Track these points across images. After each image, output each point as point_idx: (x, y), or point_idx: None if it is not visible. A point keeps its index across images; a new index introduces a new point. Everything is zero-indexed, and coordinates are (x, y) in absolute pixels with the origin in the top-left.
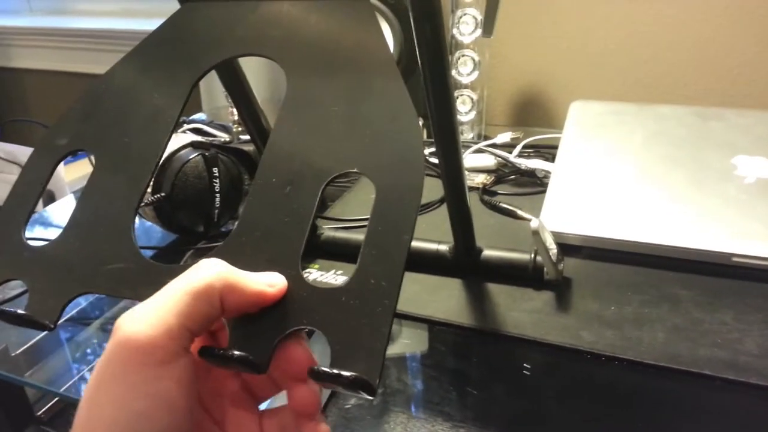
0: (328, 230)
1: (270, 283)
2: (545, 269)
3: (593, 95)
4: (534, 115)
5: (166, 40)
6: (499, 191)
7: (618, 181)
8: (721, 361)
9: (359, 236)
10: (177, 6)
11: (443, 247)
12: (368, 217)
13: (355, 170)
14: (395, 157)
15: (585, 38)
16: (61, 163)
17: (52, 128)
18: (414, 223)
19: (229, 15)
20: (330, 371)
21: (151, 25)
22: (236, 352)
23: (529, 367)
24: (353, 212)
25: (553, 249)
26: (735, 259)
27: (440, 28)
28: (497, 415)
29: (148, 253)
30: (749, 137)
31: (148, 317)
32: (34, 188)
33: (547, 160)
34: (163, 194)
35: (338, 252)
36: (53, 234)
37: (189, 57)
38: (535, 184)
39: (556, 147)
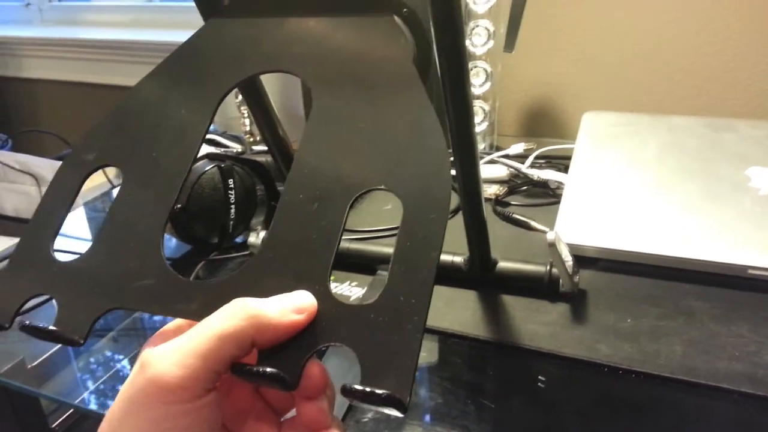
0: (342, 242)
1: (299, 308)
2: (561, 281)
3: (605, 106)
4: (545, 126)
5: (192, 55)
6: (511, 202)
7: (632, 192)
8: (739, 374)
9: (373, 248)
10: (187, 17)
11: (458, 259)
12: (382, 228)
13: (382, 187)
14: (422, 173)
15: (596, 49)
16: None
17: (80, 143)
18: (442, 239)
19: (255, 31)
20: (363, 389)
21: (162, 36)
22: (269, 369)
23: (543, 379)
24: (366, 224)
25: (569, 261)
26: (751, 271)
27: (461, 40)
28: (513, 429)
29: None
30: (762, 149)
31: (178, 358)
32: (63, 203)
33: (559, 170)
34: (179, 206)
35: (353, 263)
36: (64, 245)
37: (215, 73)
38: (547, 195)
39: (568, 158)
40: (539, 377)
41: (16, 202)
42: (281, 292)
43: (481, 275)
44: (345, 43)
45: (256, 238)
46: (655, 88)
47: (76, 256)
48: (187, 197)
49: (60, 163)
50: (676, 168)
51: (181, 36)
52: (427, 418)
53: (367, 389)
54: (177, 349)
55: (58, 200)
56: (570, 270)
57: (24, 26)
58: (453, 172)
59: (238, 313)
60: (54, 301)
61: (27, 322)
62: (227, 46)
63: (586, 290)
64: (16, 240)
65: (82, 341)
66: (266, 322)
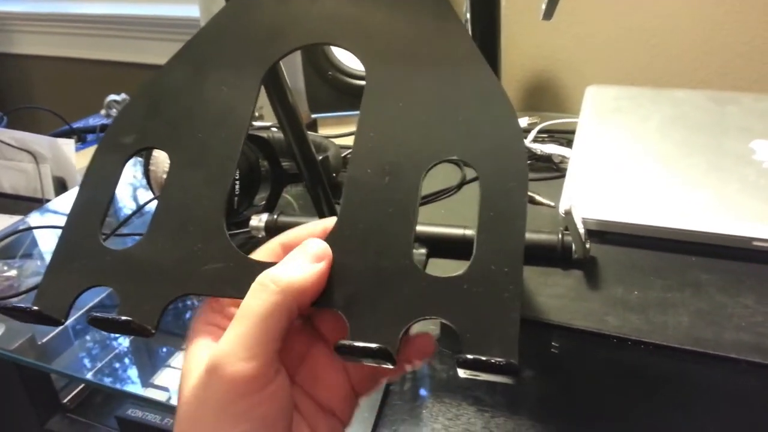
0: None
1: (317, 256)
2: (573, 248)
3: (606, 80)
4: (547, 100)
5: (221, 34)
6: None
7: (637, 166)
8: (746, 344)
9: None
10: None
11: (469, 232)
12: None
13: (455, 158)
14: (495, 143)
15: (597, 23)
16: (73, 149)
17: (114, 126)
18: (525, 207)
19: (289, 6)
20: (481, 358)
21: (156, 10)
22: (374, 345)
23: (557, 345)
24: None
25: (581, 228)
26: (755, 243)
27: (497, 24)
28: (525, 399)
29: None
30: (766, 122)
31: (244, 352)
32: (105, 190)
33: (562, 145)
34: None
35: None
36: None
37: (253, 50)
38: (551, 169)
39: (571, 132)
40: (552, 343)
41: (14, 180)
42: (363, 270)
43: None
44: (393, 17)
45: (258, 221)
46: (655, 62)
47: (129, 245)
48: None
49: (59, 139)
50: (680, 141)
51: (176, 10)
52: (439, 389)
53: (484, 358)
54: (238, 342)
55: (100, 187)
56: (583, 237)
57: (16, 1)
58: None
59: (271, 288)
60: (113, 292)
61: (96, 314)
62: (262, 22)
63: (596, 258)
64: (16, 218)
65: (153, 331)
66: (298, 287)
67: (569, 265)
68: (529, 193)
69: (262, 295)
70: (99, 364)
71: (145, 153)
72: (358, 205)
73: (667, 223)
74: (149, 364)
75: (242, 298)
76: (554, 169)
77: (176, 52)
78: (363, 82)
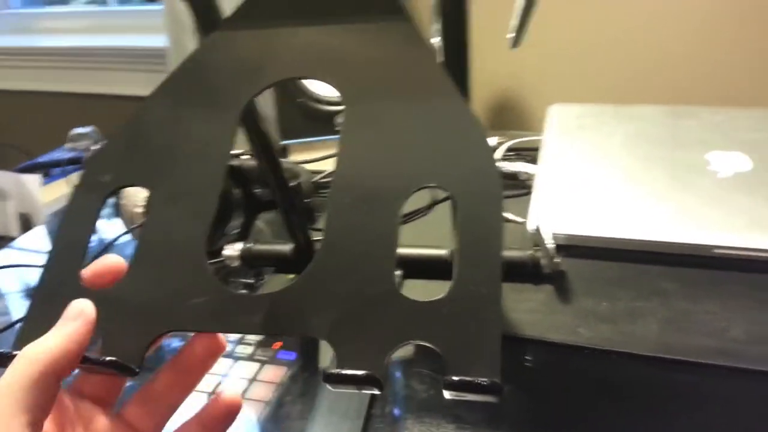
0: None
1: (70, 316)
2: (543, 264)
3: (568, 98)
4: (511, 119)
5: (201, 69)
6: None
7: (601, 181)
8: (712, 349)
9: None
10: (143, 21)
11: (443, 252)
12: None
13: (432, 185)
14: (470, 168)
15: (558, 43)
16: (38, 185)
17: (90, 164)
18: (502, 230)
19: (268, 40)
20: (466, 379)
21: (119, 41)
22: (363, 372)
23: (531, 359)
24: None
25: (550, 244)
26: (716, 250)
27: (466, 46)
28: (504, 414)
29: None
30: (720, 133)
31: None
32: (84, 229)
33: (527, 162)
34: None
35: None
36: (32, 261)
37: (232, 84)
38: (517, 186)
39: (535, 149)
40: (526, 357)
41: None
42: (346, 298)
43: None
44: (368, 49)
45: (233, 250)
46: (615, 80)
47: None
48: None
49: (23, 175)
50: (641, 156)
51: (139, 40)
52: (419, 409)
53: (468, 379)
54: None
55: (79, 226)
56: (552, 252)
57: None
58: None
59: (20, 359)
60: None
61: (85, 357)
62: (241, 56)
63: (565, 271)
64: None
65: (138, 370)
66: (53, 356)
67: (540, 280)
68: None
69: (11, 367)
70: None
71: None
72: (339, 233)
73: (632, 235)
74: (133, 382)
75: (226, 332)
76: (521, 187)
77: (154, 90)
78: (332, 108)
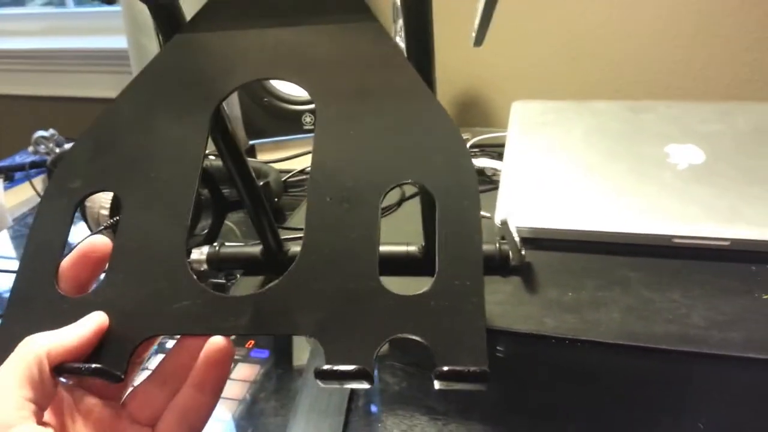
0: (294, 246)
1: (88, 320)
2: (511, 256)
3: (531, 94)
4: (476, 116)
5: (168, 71)
6: None
7: (564, 175)
8: (674, 335)
9: None
10: (102, 23)
11: (412, 248)
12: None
13: (409, 181)
14: (446, 165)
15: (520, 41)
16: (1, 189)
17: (60, 170)
18: (480, 222)
19: (235, 42)
20: (455, 369)
21: (78, 43)
22: (354, 367)
23: (501, 349)
24: None
25: (517, 237)
26: (676, 240)
27: (430, 44)
28: (475, 402)
29: None
30: (678, 127)
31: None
32: (56, 237)
33: (492, 158)
34: (118, 218)
35: None
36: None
37: (202, 85)
38: (484, 182)
39: (500, 145)
40: (498, 348)
41: None
42: (332, 295)
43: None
44: (336, 50)
45: (200, 254)
46: (575, 76)
47: (87, 292)
48: None
49: None
50: (602, 150)
51: (98, 42)
52: (392, 402)
53: (459, 368)
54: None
55: (50, 234)
56: (519, 244)
57: None
58: None
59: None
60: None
61: (64, 365)
62: (208, 58)
63: (531, 263)
64: None
65: (123, 376)
66: (60, 346)
67: (508, 273)
68: None
69: (18, 348)
70: None
71: None
72: (320, 232)
73: (594, 227)
74: None
75: (212, 334)
76: (487, 182)
77: (121, 92)
78: (299, 107)
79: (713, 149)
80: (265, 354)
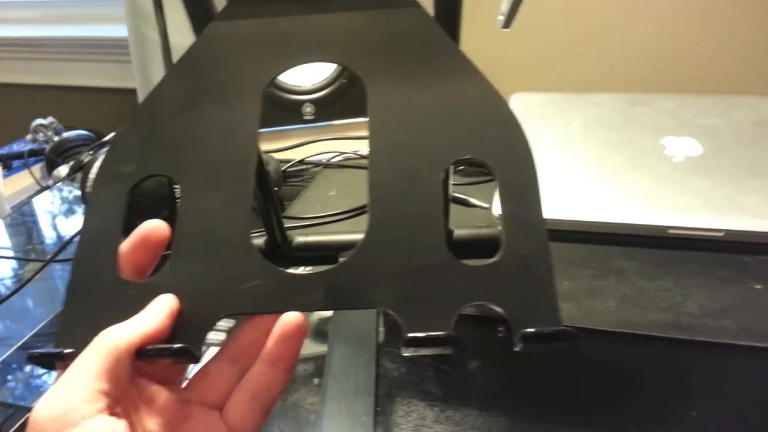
0: (297, 236)
1: (156, 305)
2: None
3: (531, 86)
4: None
5: (209, 57)
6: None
7: (562, 166)
8: (668, 323)
9: (334, 237)
10: (99, 11)
11: (492, 230)
12: (332, 213)
13: (468, 156)
14: (502, 138)
15: (521, 32)
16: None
17: (110, 155)
18: (539, 191)
19: (275, 28)
20: (539, 331)
21: (75, 31)
22: (441, 333)
23: (502, 329)
24: (314, 210)
25: None
26: (671, 231)
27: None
28: (470, 387)
29: None
30: (674, 120)
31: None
32: (113, 222)
33: None
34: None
35: (314, 258)
36: None
37: (247, 70)
38: (483, 173)
39: None
40: (498, 328)
41: None
42: (403, 269)
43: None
44: (382, 34)
45: None
46: (575, 69)
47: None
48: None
49: None
50: (600, 142)
51: (98, 30)
52: (390, 387)
53: (546, 330)
54: (59, 395)
55: (107, 219)
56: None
57: None
58: None
59: (102, 341)
60: None
61: (147, 348)
62: (250, 44)
63: None
64: None
65: (201, 357)
66: (132, 337)
67: None
68: (464, 196)
69: (92, 343)
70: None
71: (86, 164)
72: (383, 211)
73: (591, 218)
74: None
75: (286, 311)
76: (486, 173)
77: (163, 77)
78: (300, 97)
79: (711, 142)
80: None
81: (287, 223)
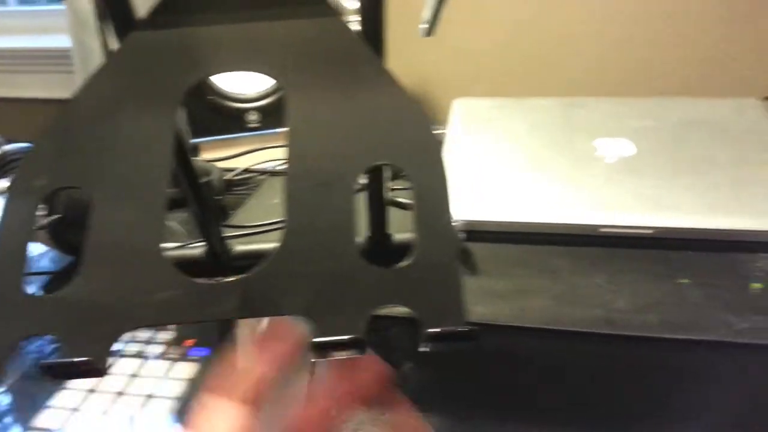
0: (238, 245)
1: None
2: None
3: (471, 92)
4: None
5: (129, 66)
6: (392, 187)
7: (501, 169)
8: (599, 319)
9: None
10: (45, 21)
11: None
12: (275, 221)
13: (382, 162)
14: (415, 145)
15: (462, 40)
16: None
17: (23, 168)
18: (449, 196)
19: (196, 36)
20: (444, 330)
21: (23, 42)
22: (348, 336)
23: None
24: (258, 218)
25: (454, 225)
26: (601, 229)
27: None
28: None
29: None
30: (607, 122)
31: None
32: (21, 237)
33: None
34: (58, 215)
35: (253, 266)
36: None
37: (166, 79)
38: None
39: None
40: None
41: None
42: (316, 275)
43: (380, 250)
44: (302, 43)
45: None
46: (515, 74)
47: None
48: (65, 205)
49: None
50: (537, 145)
51: (40, 41)
52: None
53: (448, 330)
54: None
55: (15, 235)
56: (457, 232)
57: None
58: None
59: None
60: (52, 338)
61: (47, 361)
62: (170, 53)
63: (469, 251)
64: None
65: (106, 371)
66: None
67: None
68: (402, 200)
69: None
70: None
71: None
72: (300, 217)
73: (527, 219)
74: (29, 406)
75: (197, 321)
76: None
77: (79, 89)
78: (242, 105)
79: (641, 142)
80: (205, 352)
81: (229, 232)
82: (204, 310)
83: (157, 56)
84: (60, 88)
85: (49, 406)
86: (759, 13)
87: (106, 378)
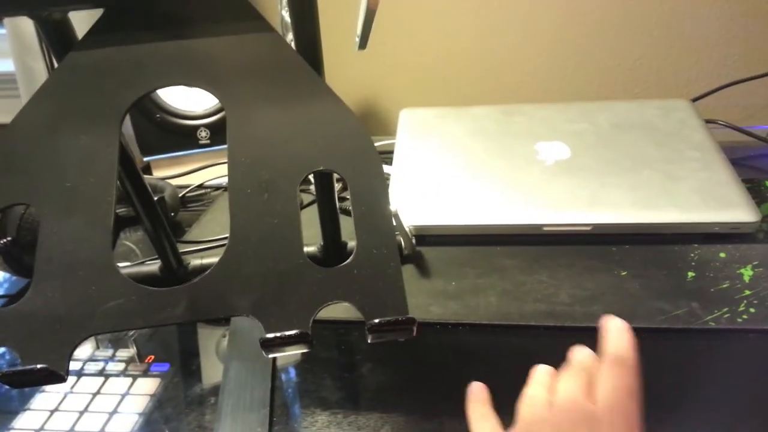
0: (194, 260)
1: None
2: (403, 246)
3: (418, 102)
4: (367, 125)
5: (68, 86)
6: (345, 196)
7: (447, 175)
8: (542, 312)
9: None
10: None
11: (312, 248)
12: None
13: (321, 168)
14: (352, 151)
15: (407, 52)
16: None
17: None
18: (388, 199)
19: (134, 54)
20: (387, 320)
21: None
22: (295, 331)
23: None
24: (214, 233)
25: (407, 227)
26: (545, 228)
27: (319, 57)
28: (364, 391)
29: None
30: (545, 126)
31: None
32: None
33: (384, 164)
34: (9, 238)
35: None
36: None
37: (105, 97)
38: None
39: (390, 152)
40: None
41: None
42: (263, 277)
43: (336, 258)
44: (239, 57)
45: None
46: (458, 84)
47: (13, 304)
48: (17, 229)
49: None
50: (480, 150)
51: None
52: (288, 396)
53: (388, 319)
54: None
55: None
56: (410, 234)
57: None
58: None
59: None
60: (8, 350)
61: (7, 370)
62: (108, 72)
63: (423, 253)
64: None
65: (66, 376)
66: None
67: (402, 261)
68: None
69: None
70: None
71: None
72: (245, 222)
73: (474, 221)
74: (8, 410)
75: (149, 327)
76: None
77: (19, 112)
78: (192, 122)
79: (577, 145)
80: (165, 367)
81: (185, 248)
82: (156, 315)
83: (96, 74)
84: (4, 112)
85: (28, 409)
86: (681, 19)
87: (69, 397)
